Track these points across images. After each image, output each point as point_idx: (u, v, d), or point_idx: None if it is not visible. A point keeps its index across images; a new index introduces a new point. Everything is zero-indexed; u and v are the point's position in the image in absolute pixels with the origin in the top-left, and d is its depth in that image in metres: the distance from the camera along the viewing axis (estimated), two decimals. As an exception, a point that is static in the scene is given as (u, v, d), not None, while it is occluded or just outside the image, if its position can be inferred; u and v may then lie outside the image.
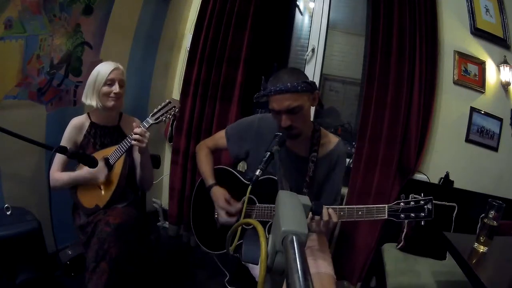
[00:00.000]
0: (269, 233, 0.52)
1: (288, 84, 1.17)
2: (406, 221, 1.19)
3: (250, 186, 1.02)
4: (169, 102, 1.49)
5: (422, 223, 1.17)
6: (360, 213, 1.18)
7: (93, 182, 1.48)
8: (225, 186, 1.43)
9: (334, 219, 1.16)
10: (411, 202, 1.17)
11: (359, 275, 1.99)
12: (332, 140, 1.42)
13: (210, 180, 1.44)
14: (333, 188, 1.40)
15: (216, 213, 1.44)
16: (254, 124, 1.46)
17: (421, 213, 1.15)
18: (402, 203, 1.17)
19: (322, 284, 1.19)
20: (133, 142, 1.41)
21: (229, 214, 1.35)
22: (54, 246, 1.34)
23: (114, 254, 1.30)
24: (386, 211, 1.17)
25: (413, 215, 1.16)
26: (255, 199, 1.37)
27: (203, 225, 1.53)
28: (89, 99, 1.50)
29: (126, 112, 1.68)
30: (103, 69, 1.48)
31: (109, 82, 1.48)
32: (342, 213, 1.20)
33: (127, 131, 1.59)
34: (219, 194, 1.38)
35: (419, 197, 1.18)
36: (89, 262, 1.31)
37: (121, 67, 1.53)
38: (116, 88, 1.48)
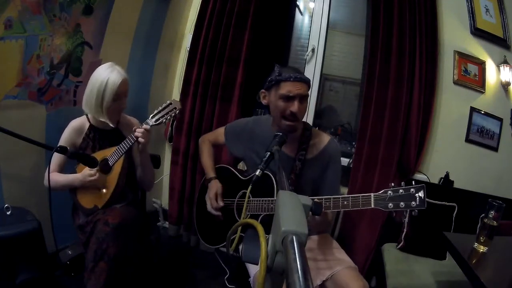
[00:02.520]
0: (262, 225, 0.52)
1: (305, 76, 1.33)
2: (400, 218, 1.11)
3: (250, 186, 1.04)
4: (170, 104, 1.47)
5: (414, 213, 1.07)
6: (345, 203, 1.15)
7: (87, 185, 1.46)
8: (224, 182, 1.49)
9: None
10: (400, 190, 1.08)
11: (359, 275, 1.99)
12: (324, 139, 1.44)
13: (211, 173, 1.55)
14: (329, 187, 1.40)
15: None
16: (248, 125, 1.54)
17: (412, 202, 1.06)
18: (390, 192, 1.09)
19: (352, 277, 1.25)
20: (136, 134, 1.40)
21: (212, 206, 1.44)
22: (54, 246, 1.34)
23: (112, 254, 1.30)
24: (372, 200, 1.11)
25: (403, 204, 1.07)
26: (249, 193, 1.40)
27: (205, 220, 1.57)
28: (101, 117, 1.45)
29: (126, 112, 1.67)
30: (111, 82, 1.40)
31: (116, 98, 1.43)
32: (327, 204, 1.18)
33: (126, 132, 1.57)
34: (213, 187, 1.48)
35: (409, 185, 1.09)
36: (88, 262, 1.31)
37: (125, 75, 1.46)
38: (124, 104, 1.46)
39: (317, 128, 1.93)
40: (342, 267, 1.29)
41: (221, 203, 1.43)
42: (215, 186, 1.47)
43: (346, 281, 1.24)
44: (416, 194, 1.06)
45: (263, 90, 1.40)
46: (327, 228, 1.60)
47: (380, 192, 1.11)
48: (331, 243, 1.45)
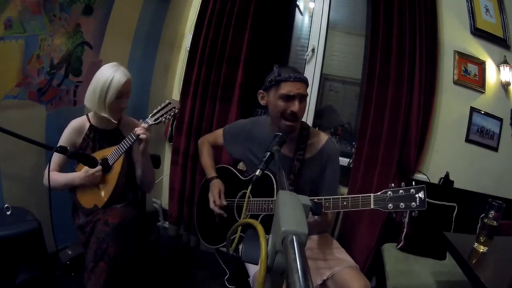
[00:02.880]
0: (262, 226, 0.52)
1: (304, 76, 1.34)
2: (400, 218, 1.10)
3: (250, 186, 1.04)
4: (169, 103, 1.48)
5: (414, 214, 1.06)
6: (345, 203, 1.15)
7: (87, 184, 1.46)
8: (225, 182, 1.50)
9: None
10: (400, 191, 1.07)
11: (359, 275, 1.99)
12: (322, 138, 1.44)
13: (212, 173, 1.55)
14: (328, 187, 1.41)
15: None
16: (247, 127, 1.54)
17: (412, 203, 1.05)
18: (389, 192, 1.09)
19: (353, 275, 1.25)
20: (137, 130, 1.40)
21: (215, 203, 1.43)
22: (54, 246, 1.35)
23: (112, 254, 1.30)
24: (372, 201, 1.10)
25: (402, 205, 1.06)
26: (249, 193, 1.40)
27: (205, 220, 1.57)
28: (103, 113, 1.45)
29: (126, 113, 1.67)
30: (115, 80, 1.41)
31: (119, 96, 1.44)
32: (327, 204, 1.18)
33: (126, 133, 1.56)
34: (216, 185, 1.48)
35: (410, 185, 1.08)
36: (88, 262, 1.31)
37: (129, 75, 1.48)
38: (125, 103, 1.47)
39: (316, 128, 1.93)
40: (343, 266, 1.29)
41: (224, 202, 1.43)
42: (217, 185, 1.48)
43: (347, 281, 1.24)
44: (416, 195, 1.05)
45: (261, 91, 1.40)
46: (327, 228, 1.60)
47: (379, 193, 1.11)
48: (331, 243, 1.46)
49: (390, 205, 1.08)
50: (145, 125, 1.42)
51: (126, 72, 1.47)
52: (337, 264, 1.31)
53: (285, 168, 1.40)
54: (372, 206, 1.11)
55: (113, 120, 1.48)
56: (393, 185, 1.11)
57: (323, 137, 1.45)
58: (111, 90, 1.41)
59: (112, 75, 1.42)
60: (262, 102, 1.41)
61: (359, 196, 1.14)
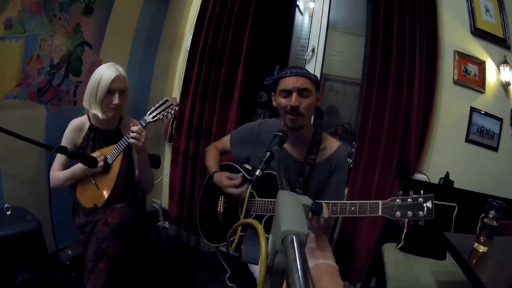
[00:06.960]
0: (266, 226, 0.52)
1: (304, 71, 1.32)
2: (403, 220, 1.10)
3: (249, 187, 1.03)
4: (167, 100, 1.48)
5: (421, 224, 1.06)
6: (353, 209, 1.14)
7: (90, 173, 1.46)
8: None
9: (325, 214, 1.14)
10: (409, 199, 1.07)
11: (359, 275, 1.99)
12: (333, 145, 1.44)
13: (213, 168, 1.53)
14: (334, 193, 1.40)
15: (219, 206, 1.48)
16: (255, 129, 1.54)
17: (420, 212, 1.05)
18: (398, 200, 1.08)
19: (326, 273, 1.22)
20: (130, 140, 1.41)
21: (236, 186, 1.40)
22: (54, 246, 1.35)
23: (112, 254, 1.30)
24: (380, 208, 1.10)
25: (410, 213, 1.06)
26: (254, 193, 1.40)
27: (208, 218, 1.57)
28: (94, 109, 1.47)
29: (126, 112, 1.67)
30: (105, 77, 1.43)
31: (109, 91, 1.44)
32: (334, 209, 1.17)
33: (126, 134, 1.58)
34: (220, 176, 1.46)
35: (418, 194, 1.07)
36: (87, 262, 1.32)
37: (122, 73, 1.48)
38: (115, 99, 1.46)
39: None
40: (317, 262, 1.27)
41: (239, 178, 1.41)
42: (221, 175, 1.46)
43: (316, 278, 1.20)
44: (424, 204, 1.05)
45: (273, 93, 1.42)
46: (329, 231, 1.59)
47: (388, 200, 1.10)
48: (325, 243, 1.43)
49: (398, 213, 1.07)
50: (140, 128, 1.42)
51: (119, 69, 1.47)
52: (315, 260, 1.29)
53: (295, 171, 1.39)
54: (380, 213, 1.09)
55: (100, 116, 1.47)
56: (401, 192, 1.10)
57: (335, 143, 1.44)
58: (101, 86, 1.42)
59: (103, 72, 1.44)
60: (274, 104, 1.42)
61: (367, 202, 1.12)
